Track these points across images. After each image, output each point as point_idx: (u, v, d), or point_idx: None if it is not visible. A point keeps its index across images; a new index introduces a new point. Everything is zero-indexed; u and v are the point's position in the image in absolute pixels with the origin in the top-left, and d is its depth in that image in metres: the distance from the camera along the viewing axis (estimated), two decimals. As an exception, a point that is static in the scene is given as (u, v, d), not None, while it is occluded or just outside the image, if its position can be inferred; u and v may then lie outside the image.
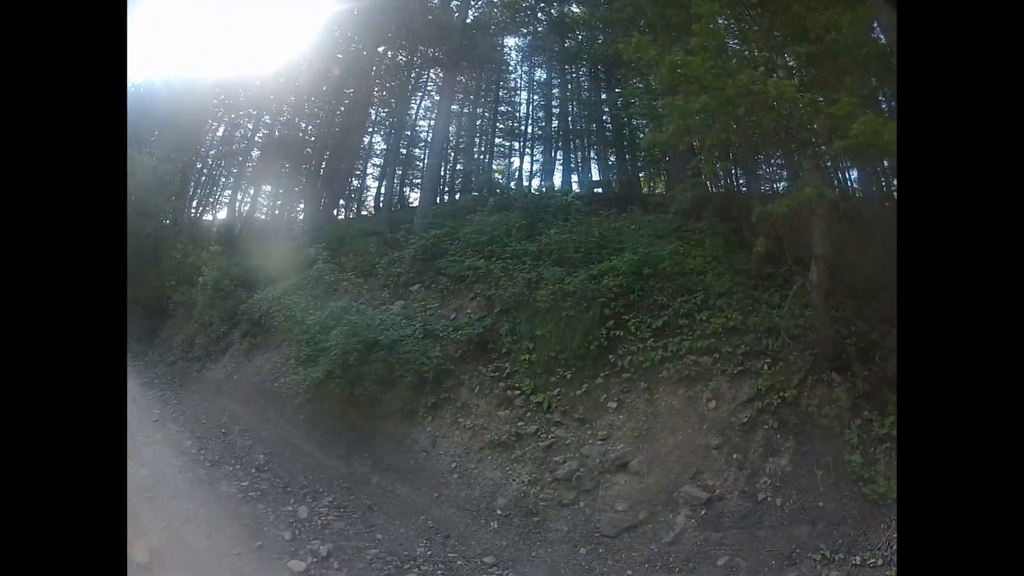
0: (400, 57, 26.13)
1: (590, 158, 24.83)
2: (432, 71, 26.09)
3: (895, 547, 8.14)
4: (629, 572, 9.04)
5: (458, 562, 9.46)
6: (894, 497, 8.71)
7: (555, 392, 11.77)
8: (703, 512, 9.49)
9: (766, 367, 10.57)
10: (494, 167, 25.57)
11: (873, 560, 8.14)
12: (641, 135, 19.93)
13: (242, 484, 11.39)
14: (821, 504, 9.10)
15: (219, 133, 28.55)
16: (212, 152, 28.72)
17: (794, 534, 8.88)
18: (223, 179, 29.06)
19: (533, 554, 9.60)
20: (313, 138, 26.85)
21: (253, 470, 12.01)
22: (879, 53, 9.82)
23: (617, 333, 11.87)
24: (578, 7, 24.25)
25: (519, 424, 11.57)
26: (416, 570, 9.16)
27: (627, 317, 12.00)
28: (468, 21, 23.52)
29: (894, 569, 7.89)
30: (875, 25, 10.52)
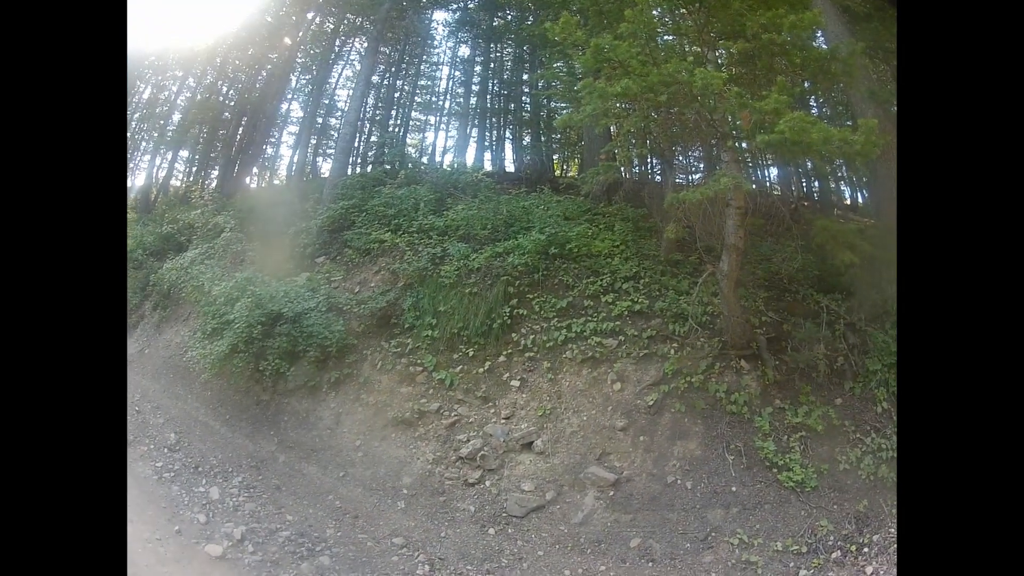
0: (328, 24, 25.37)
1: (505, 137, 24.95)
2: (357, 40, 25.44)
3: (819, 536, 8.50)
4: (540, 553, 9.16)
5: (368, 543, 9.45)
6: (813, 485, 9.08)
7: (457, 369, 11.84)
8: (611, 493, 9.69)
9: (672, 351, 10.82)
10: (408, 141, 25.29)
11: (796, 547, 8.43)
12: (558, 117, 19.98)
13: (156, 465, 11.11)
14: (734, 489, 9.37)
15: (145, 96, 27.20)
16: (136, 115, 27.39)
17: (707, 518, 9.14)
18: (143, 143, 27.77)
19: (442, 534, 9.66)
20: (232, 103, 25.91)
21: (166, 450, 11.71)
22: (817, 57, 10.03)
23: (521, 312, 12.00)
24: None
25: (421, 401, 11.59)
26: (328, 552, 9.12)
27: (531, 296, 12.14)
28: (401, -9, 22.89)
29: (820, 557, 8.20)
30: (819, 34, 10.74)
